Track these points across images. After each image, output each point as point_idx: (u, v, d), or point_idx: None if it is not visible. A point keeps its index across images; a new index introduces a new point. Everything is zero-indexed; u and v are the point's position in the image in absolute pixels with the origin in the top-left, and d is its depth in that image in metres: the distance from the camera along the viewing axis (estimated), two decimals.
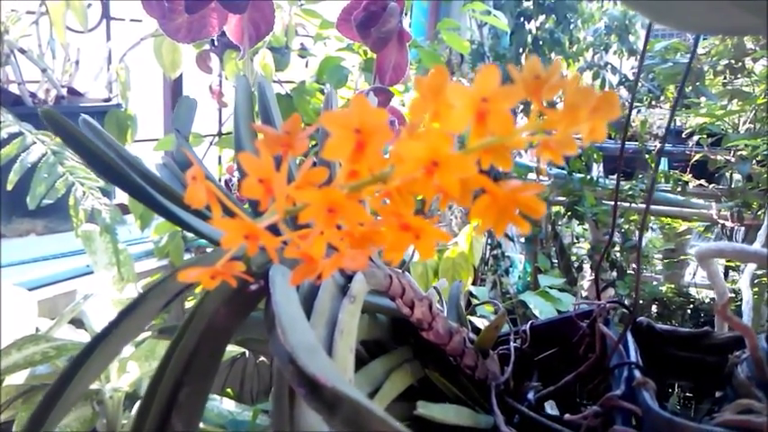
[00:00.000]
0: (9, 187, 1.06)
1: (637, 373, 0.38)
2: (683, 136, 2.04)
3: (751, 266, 0.60)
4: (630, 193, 1.92)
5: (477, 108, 0.20)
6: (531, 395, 0.41)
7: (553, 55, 2.08)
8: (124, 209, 1.50)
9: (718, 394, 0.43)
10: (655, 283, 2.15)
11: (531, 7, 2.10)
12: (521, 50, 2.08)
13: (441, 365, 0.40)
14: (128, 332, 0.27)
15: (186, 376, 0.27)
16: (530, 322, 0.47)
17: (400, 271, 0.40)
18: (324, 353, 0.26)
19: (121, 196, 1.57)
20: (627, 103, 2.00)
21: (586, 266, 2.19)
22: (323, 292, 0.30)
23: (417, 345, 0.39)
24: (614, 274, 1.98)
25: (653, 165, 1.99)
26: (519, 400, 0.40)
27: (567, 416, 0.38)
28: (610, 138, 2.27)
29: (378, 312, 0.38)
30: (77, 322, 1.30)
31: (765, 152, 1.67)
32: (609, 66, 2.20)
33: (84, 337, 1.24)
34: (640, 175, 2.04)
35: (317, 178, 0.26)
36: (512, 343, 0.44)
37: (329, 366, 0.25)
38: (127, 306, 0.27)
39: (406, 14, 0.99)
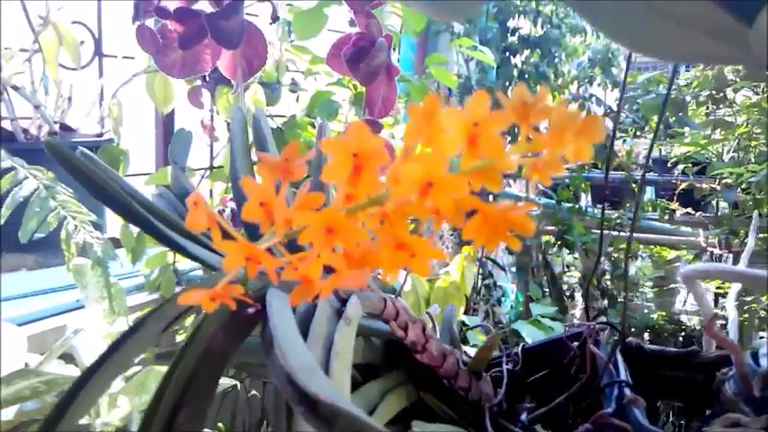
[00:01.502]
0: (0, 222, 1.06)
1: (627, 391, 0.39)
2: (669, 165, 2.07)
3: (736, 287, 0.61)
4: (618, 221, 1.94)
5: (469, 132, 0.21)
6: (523, 416, 0.42)
7: (538, 88, 2.11)
8: (116, 242, 1.50)
9: (707, 412, 0.43)
10: (646, 310, 2.16)
11: (517, 42, 2.15)
12: (507, 84, 2.12)
13: (435, 388, 0.40)
14: (128, 354, 0.27)
15: (185, 398, 0.28)
16: (521, 345, 0.48)
17: (394, 296, 0.40)
18: (323, 374, 0.26)
19: (113, 230, 1.57)
20: (611, 134, 2.03)
21: (578, 295, 2.20)
22: (319, 314, 0.31)
23: (411, 368, 0.40)
24: (605, 302, 1.99)
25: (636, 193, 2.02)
26: (512, 422, 0.41)
27: None
28: (596, 167, 2.31)
29: (372, 336, 0.39)
30: (67, 357, 1.28)
31: (750, 180, 1.70)
32: (593, 97, 2.25)
33: (74, 372, 1.22)
34: (627, 204, 2.07)
35: (314, 203, 0.26)
36: (504, 365, 0.45)
37: (328, 385, 0.25)
38: (128, 329, 0.28)
39: (394, 50, 1.01)
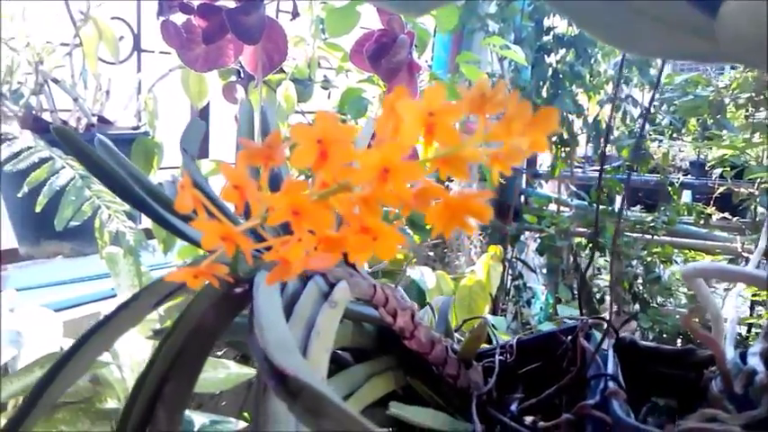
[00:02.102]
0: (38, 209, 1.10)
1: (610, 384, 0.39)
2: (706, 168, 2.03)
3: (738, 287, 0.60)
4: (653, 224, 1.91)
5: (425, 121, 0.22)
6: (513, 406, 0.42)
7: (574, 87, 2.10)
8: (148, 233, 1.54)
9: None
10: (678, 316, 2.11)
11: (552, 41, 2.13)
12: (541, 83, 2.10)
13: (424, 375, 0.41)
14: (118, 328, 0.29)
15: (172, 371, 0.29)
16: (516, 337, 0.48)
17: (393, 286, 0.42)
18: (297, 351, 0.27)
19: (146, 221, 1.62)
20: (648, 135, 2.00)
21: (608, 298, 2.16)
22: (305, 297, 0.32)
23: (402, 354, 0.41)
24: (637, 306, 1.96)
25: (674, 196, 1.98)
26: (502, 412, 0.42)
27: (540, 423, 0.39)
28: (632, 170, 2.27)
29: (363, 321, 0.40)
30: None
31: None
32: (630, 98, 2.21)
33: (106, 358, 1.26)
34: (662, 207, 2.03)
35: (298, 189, 0.28)
36: (497, 356, 0.45)
37: (299, 362, 0.27)
38: (119, 305, 0.29)
39: (416, 46, 1.02)
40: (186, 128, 0.45)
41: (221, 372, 1.33)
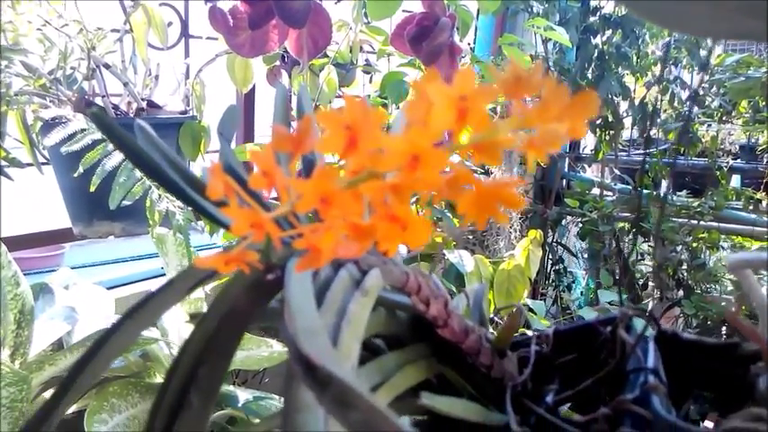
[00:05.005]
0: (92, 189, 1.13)
1: (650, 378, 0.38)
2: (757, 152, 1.96)
3: None
4: (699, 209, 1.86)
5: (457, 106, 0.22)
6: (549, 398, 0.42)
7: (620, 69, 2.04)
8: (197, 214, 1.57)
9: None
10: (724, 303, 2.05)
11: (598, 22, 2.07)
12: (586, 65, 2.05)
13: (458, 364, 0.41)
14: (154, 312, 0.30)
15: (206, 354, 0.30)
16: (553, 327, 0.47)
17: (427, 273, 0.41)
18: (325, 337, 0.28)
19: None
20: (697, 117, 1.94)
21: (651, 284, 2.12)
22: (336, 284, 0.32)
23: (436, 343, 0.41)
24: (680, 292, 1.91)
25: (723, 181, 1.92)
26: (537, 403, 0.41)
27: (576, 416, 0.38)
28: (680, 153, 2.20)
29: (396, 309, 0.40)
30: None
31: None
32: (678, 80, 2.14)
33: (154, 334, 1.30)
34: (710, 192, 1.97)
35: (330, 175, 0.28)
36: (532, 346, 0.45)
37: (327, 349, 0.27)
38: (156, 289, 0.30)
39: (458, 29, 1.00)
40: (224, 114, 0.46)
41: (264, 350, 1.36)
